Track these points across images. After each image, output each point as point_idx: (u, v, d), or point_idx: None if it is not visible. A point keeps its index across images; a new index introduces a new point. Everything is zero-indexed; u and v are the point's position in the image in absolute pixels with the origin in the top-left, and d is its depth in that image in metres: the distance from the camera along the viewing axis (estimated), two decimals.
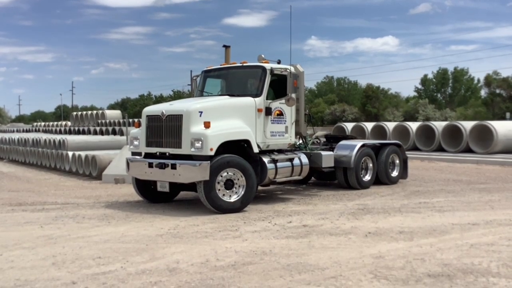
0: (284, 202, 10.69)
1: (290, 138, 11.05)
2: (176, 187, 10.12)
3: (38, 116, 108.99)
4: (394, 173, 13.68)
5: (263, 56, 10.83)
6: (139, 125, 10.52)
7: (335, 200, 10.95)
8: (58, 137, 21.03)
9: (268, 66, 10.54)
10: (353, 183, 12.47)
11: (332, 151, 12.46)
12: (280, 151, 10.93)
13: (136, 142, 10.34)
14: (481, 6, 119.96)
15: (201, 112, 9.48)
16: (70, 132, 30.77)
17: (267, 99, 10.44)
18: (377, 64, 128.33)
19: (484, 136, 23.02)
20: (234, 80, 11.20)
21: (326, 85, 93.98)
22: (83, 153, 16.91)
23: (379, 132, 27.32)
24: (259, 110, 10.27)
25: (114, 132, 24.97)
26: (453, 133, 24.18)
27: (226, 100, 10.30)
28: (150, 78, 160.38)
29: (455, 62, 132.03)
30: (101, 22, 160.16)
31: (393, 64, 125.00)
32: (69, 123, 35.26)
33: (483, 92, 74.65)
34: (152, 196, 10.64)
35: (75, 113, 36.51)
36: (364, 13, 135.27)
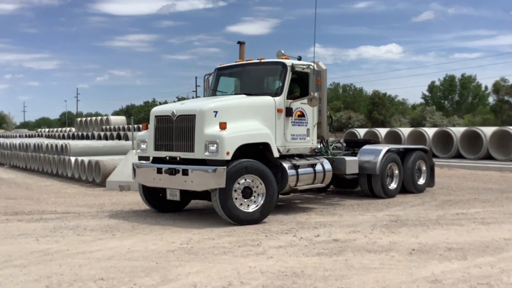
0: (305, 212, 9.71)
1: (312, 141, 10.07)
2: (187, 195, 9.15)
3: (43, 122, 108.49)
4: (421, 181, 12.66)
5: (282, 51, 9.90)
6: (146, 127, 9.57)
7: (361, 210, 9.96)
8: (60, 142, 20.12)
9: (289, 62, 9.59)
10: (378, 191, 11.46)
11: (355, 156, 11.47)
12: (300, 156, 9.96)
13: (143, 146, 9.39)
14: (484, 14, 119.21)
15: (216, 112, 8.53)
16: (73, 138, 29.94)
17: (287, 98, 9.48)
18: (381, 72, 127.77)
19: (504, 143, 21.99)
20: (251, 78, 10.24)
21: (331, 92, 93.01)
22: (86, 159, 15.98)
23: (393, 138, 26.26)
24: (279, 111, 9.31)
25: (119, 137, 24.08)
26: (471, 139, 23.13)
27: (243, 99, 9.35)
28: (154, 85, 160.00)
29: (458, 70, 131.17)
30: (106, 30, 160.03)
31: (397, 71, 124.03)
32: (73, 129, 34.49)
33: (491, 99, 73.67)
34: (161, 205, 9.67)
35: (79, 119, 35.73)
36: (367, 21, 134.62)
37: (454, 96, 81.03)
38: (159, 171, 8.80)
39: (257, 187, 8.50)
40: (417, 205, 10.46)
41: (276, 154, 8.95)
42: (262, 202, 8.48)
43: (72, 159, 16.97)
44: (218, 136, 8.17)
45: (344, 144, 12.72)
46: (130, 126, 24.55)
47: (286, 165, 9.20)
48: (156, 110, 9.26)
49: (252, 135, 8.69)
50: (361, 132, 28.72)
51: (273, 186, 8.60)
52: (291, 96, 9.62)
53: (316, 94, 9.49)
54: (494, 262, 5.87)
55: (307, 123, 9.87)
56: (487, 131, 22.55)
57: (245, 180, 8.37)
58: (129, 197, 12.18)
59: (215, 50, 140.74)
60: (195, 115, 8.48)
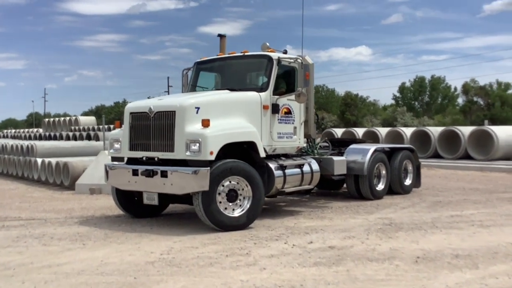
0: (293, 216, 9.09)
1: (299, 140, 9.47)
2: (166, 199, 8.42)
3: (10, 123, 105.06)
4: (407, 181, 12.22)
5: (267, 44, 9.25)
6: (120, 125, 8.81)
7: (351, 213, 9.40)
8: (26, 142, 19.02)
9: (275, 55, 8.96)
10: (366, 192, 10.94)
11: (342, 156, 10.91)
12: (286, 156, 9.35)
13: (117, 145, 8.60)
14: (451, 17, 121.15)
15: (198, 108, 7.83)
16: (40, 138, 28.67)
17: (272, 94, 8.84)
18: (351, 73, 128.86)
19: (482, 142, 21.88)
20: (234, 73, 9.58)
21: None
22: (53, 160, 15.00)
23: (371, 138, 25.72)
24: (265, 107, 8.67)
25: (88, 138, 23.04)
26: (449, 139, 22.97)
27: (227, 94, 8.67)
28: (125, 85, 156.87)
29: (426, 71, 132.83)
30: (74, 29, 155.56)
31: (366, 73, 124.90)
32: (40, 130, 33.14)
33: (460, 100, 74.80)
34: (137, 210, 8.91)
35: (47, 119, 34.39)
36: (338, 23, 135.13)
37: (424, 97, 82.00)
38: (135, 173, 8.05)
39: (243, 189, 7.84)
40: (408, 207, 9.98)
41: (262, 154, 8.30)
42: (248, 206, 7.82)
43: (39, 160, 15.96)
44: (200, 134, 7.47)
45: (326, 144, 12.14)
46: (101, 126, 23.55)
47: (272, 165, 8.57)
48: (131, 107, 8.49)
49: (237, 133, 8.02)
50: (338, 132, 28.35)
51: (260, 188, 7.95)
52: (276, 92, 9.00)
53: (304, 90, 8.88)
54: (510, 271, 5.36)
55: (294, 120, 9.27)
56: (465, 130, 22.42)
57: (230, 182, 7.70)
58: (101, 201, 11.35)
59: (187, 50, 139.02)
60: (174, 111, 7.76)
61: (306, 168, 9.31)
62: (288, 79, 9.28)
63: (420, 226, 7.95)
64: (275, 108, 8.80)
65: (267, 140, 8.68)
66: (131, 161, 8.47)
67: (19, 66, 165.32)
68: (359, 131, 27.30)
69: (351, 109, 74.14)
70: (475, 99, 69.81)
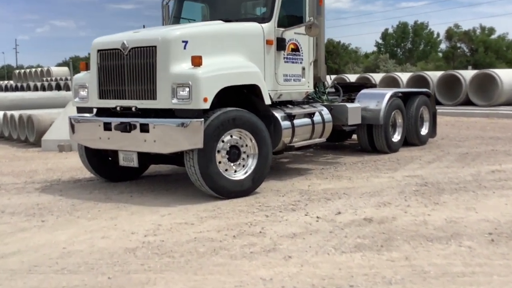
0: (303, 176, 7.54)
1: (308, 84, 7.80)
2: (147, 159, 6.76)
3: None
4: (423, 131, 10.69)
5: None
6: (86, 66, 6.98)
7: (370, 170, 7.89)
8: None
9: None
10: (381, 145, 9.41)
11: (353, 102, 9.30)
12: (291, 103, 7.70)
13: (83, 93, 6.82)
14: None
15: (185, 42, 6.05)
16: (7, 90, 26.52)
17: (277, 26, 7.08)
18: (330, 20, 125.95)
19: (483, 87, 20.49)
20: (226, 1, 7.73)
21: None
22: (16, 113, 13.09)
23: None
24: (269, 42, 6.92)
25: (58, 88, 21.00)
26: (448, 84, 21.52)
27: (222, 25, 6.86)
28: (98, 35, 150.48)
29: (404, 17, 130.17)
30: None
31: (345, 19, 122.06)
32: (11, 82, 30.90)
33: (443, 46, 73.34)
34: (111, 173, 7.23)
35: (17, 71, 32.13)
36: None
37: (406, 43, 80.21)
38: (107, 127, 6.34)
39: (247, 145, 6.21)
40: (434, 161, 8.51)
41: (268, 101, 6.63)
42: (253, 166, 6.22)
43: (1, 113, 14.03)
44: (191, 75, 5.74)
45: (332, 89, 10.45)
46: (70, 74, 21.49)
47: (278, 115, 6.92)
48: (99, 42, 6.63)
49: (237, 74, 6.30)
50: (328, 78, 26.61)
51: (267, 143, 6.34)
52: (280, 24, 7.21)
53: (316, 21, 7.12)
54: None
55: (302, 60, 7.56)
56: (466, 74, 20.97)
57: (231, 136, 6.06)
58: (71, 160, 9.62)
59: None
60: (155, 46, 5.97)
61: (317, 117, 7.68)
62: (293, 8, 7.51)
63: (464, 186, 6.48)
64: (280, 44, 7.05)
65: (272, 83, 6.99)
66: (102, 112, 6.73)
67: None
68: (351, 77, 25.67)
69: (333, 57, 72.24)
70: (458, 44, 68.46)
